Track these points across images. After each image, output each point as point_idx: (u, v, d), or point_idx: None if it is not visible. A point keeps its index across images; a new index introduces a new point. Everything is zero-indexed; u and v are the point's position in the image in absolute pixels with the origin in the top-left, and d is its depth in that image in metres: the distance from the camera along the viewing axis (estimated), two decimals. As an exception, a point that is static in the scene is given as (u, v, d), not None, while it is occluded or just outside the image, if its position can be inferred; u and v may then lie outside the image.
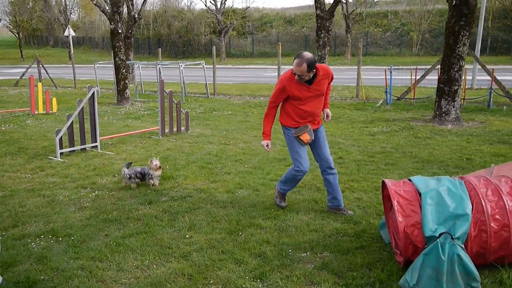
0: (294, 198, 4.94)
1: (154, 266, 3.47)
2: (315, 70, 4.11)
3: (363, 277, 3.23)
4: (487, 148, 7.09)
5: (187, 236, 4.01)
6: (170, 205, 4.79)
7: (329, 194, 4.53)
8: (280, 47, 15.11)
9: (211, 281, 3.22)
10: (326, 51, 16.16)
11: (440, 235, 3.03)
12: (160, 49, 20.13)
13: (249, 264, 3.45)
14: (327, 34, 16.18)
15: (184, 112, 8.93)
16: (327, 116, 4.58)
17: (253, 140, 8.05)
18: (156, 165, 5.32)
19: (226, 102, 13.67)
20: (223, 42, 38.30)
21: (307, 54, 4.02)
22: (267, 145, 4.50)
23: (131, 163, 5.69)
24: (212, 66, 16.04)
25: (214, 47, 16.80)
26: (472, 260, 3.08)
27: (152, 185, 5.40)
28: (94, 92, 7.19)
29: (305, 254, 3.64)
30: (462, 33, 9.26)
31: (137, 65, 16.38)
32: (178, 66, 14.73)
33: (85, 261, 3.54)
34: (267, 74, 23.88)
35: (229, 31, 39.46)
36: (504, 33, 31.92)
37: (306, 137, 4.31)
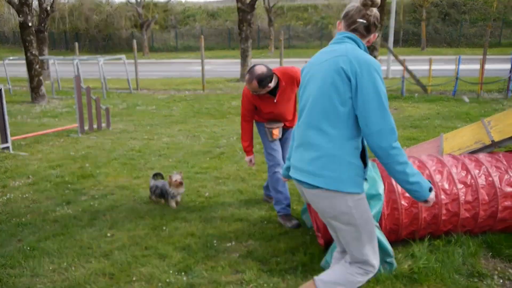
0: (219, 189, 4.94)
1: (73, 268, 3.30)
2: (272, 83, 3.76)
3: (287, 262, 3.31)
4: (400, 132, 7.54)
5: (109, 234, 3.86)
6: (90, 204, 4.58)
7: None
8: (203, 40, 14.99)
9: (134, 278, 3.12)
10: (249, 44, 16.32)
11: (356, 215, 3.17)
12: (77, 43, 19.10)
13: (173, 258, 3.40)
14: (249, 27, 16.32)
15: (104, 108, 8.57)
16: None
17: (177, 134, 7.92)
18: (176, 181, 4.35)
19: (150, 97, 13.32)
20: (145, 36, 37.22)
21: (258, 70, 3.65)
22: (250, 161, 4.25)
23: (158, 174, 4.74)
24: (134, 61, 15.53)
25: (135, 41, 16.27)
26: (387, 237, 3.27)
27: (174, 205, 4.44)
28: (1, 89, 6.67)
29: (230, 244, 3.65)
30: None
31: (53, 61, 15.43)
32: (97, 61, 14.09)
33: (-5, 270, 3.28)
34: (192, 68, 23.61)
35: (151, 25, 38.42)
36: (414, 26, 34.12)
37: (276, 132, 4.09)
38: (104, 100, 12.52)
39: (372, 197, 3.29)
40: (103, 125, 8.55)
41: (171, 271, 3.20)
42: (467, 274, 3.11)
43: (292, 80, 3.89)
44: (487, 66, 12.56)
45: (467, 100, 10.82)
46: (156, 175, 4.69)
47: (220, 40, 38.46)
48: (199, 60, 14.98)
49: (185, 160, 6.17)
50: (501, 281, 3.08)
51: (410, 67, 12.59)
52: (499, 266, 3.24)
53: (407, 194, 3.37)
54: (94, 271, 3.23)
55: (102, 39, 41.81)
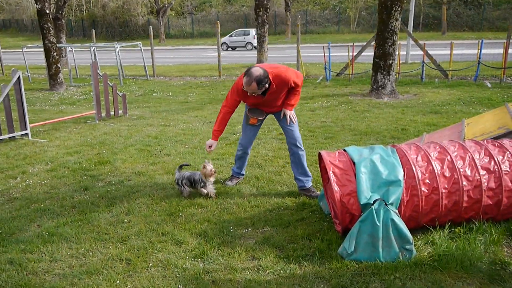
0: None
1: (90, 253, 3.32)
2: (268, 83, 3.91)
3: (304, 248, 3.27)
4: (420, 118, 7.40)
5: (125, 220, 3.87)
6: (107, 190, 4.61)
7: (294, 173, 4.41)
8: (219, 26, 14.88)
9: (151, 264, 3.13)
10: (265, 29, 16.14)
11: (374, 202, 3.11)
12: (94, 30, 19.18)
13: (189, 244, 3.39)
14: (265, 12, 16.13)
15: (121, 95, 8.60)
16: (284, 114, 4.30)
17: (193, 121, 7.91)
18: (211, 170, 4.25)
19: (166, 84, 13.34)
20: (161, 23, 37.21)
21: (256, 71, 3.81)
22: (210, 146, 4.34)
23: (185, 164, 4.67)
24: (150, 48, 15.53)
25: (151, 27, 16.24)
26: (406, 224, 3.20)
27: (208, 196, 4.31)
28: (19, 77, 6.73)
29: (246, 230, 3.62)
30: (394, 8, 9.52)
31: (70, 48, 15.54)
32: (114, 48, 14.13)
33: (14, 254, 3.32)
34: (207, 55, 23.56)
35: (167, 11, 38.36)
36: (435, 10, 33.31)
37: (254, 121, 4.39)
38: (121, 87, 12.58)
39: (391, 183, 3.22)
40: (120, 112, 8.58)
41: (187, 257, 3.19)
42: (489, 262, 3.03)
43: (283, 84, 4.03)
44: (511, 51, 12.20)
45: (489, 85, 10.54)
46: (181, 167, 4.57)
47: (236, 25, 38.18)
48: (215, 47, 14.91)
49: (201, 146, 6.15)
50: (526, 270, 2.99)
51: (430, 52, 12.31)
52: (524, 255, 3.15)
53: (427, 181, 3.29)
54: (111, 256, 3.25)
55: (119, 26, 41.97)
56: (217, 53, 14.37)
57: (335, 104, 8.97)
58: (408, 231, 3.08)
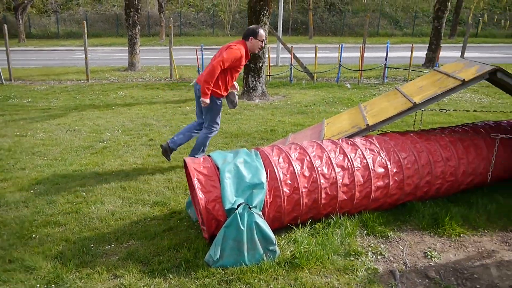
0: (99, 187, 4.59)
1: None
2: None
3: (170, 260, 3.16)
4: (288, 119, 7.75)
5: (-36, 249, 3.36)
6: None
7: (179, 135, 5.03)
8: (85, 26, 13.95)
9: (-8, 298, 2.75)
10: (137, 31, 15.58)
11: (238, 206, 3.13)
12: None
13: (42, 269, 3.05)
14: (136, 13, 15.57)
15: (-35, 103, 7.53)
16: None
17: (55, 129, 7.26)
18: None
19: (25, 89, 12.08)
20: (20, 21, 33.78)
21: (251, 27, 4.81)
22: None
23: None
24: (5, 48, 13.93)
25: (6, 26, 14.58)
26: (270, 225, 3.28)
27: None
28: None
29: (109, 246, 3.39)
30: (262, 13, 9.85)
31: None
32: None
33: None
34: (75, 57, 21.96)
35: (27, 8, 34.96)
36: (302, 15, 35.49)
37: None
38: (-31, 93, 11.08)
39: (255, 186, 3.27)
40: (-34, 121, 7.53)
41: (38, 285, 2.87)
42: (344, 254, 3.25)
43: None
44: (367, 54, 13.47)
45: (349, 86, 11.50)
46: None
47: (107, 26, 36.35)
48: (82, 48, 13.95)
49: (62, 157, 5.65)
50: (374, 256, 3.26)
51: (298, 55, 13.03)
52: (373, 243, 3.44)
53: (288, 181, 3.41)
54: None
55: (-31, 24, 37.15)
56: (84, 55, 13.45)
57: (208, 107, 8.96)
58: (272, 232, 3.16)
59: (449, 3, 15.32)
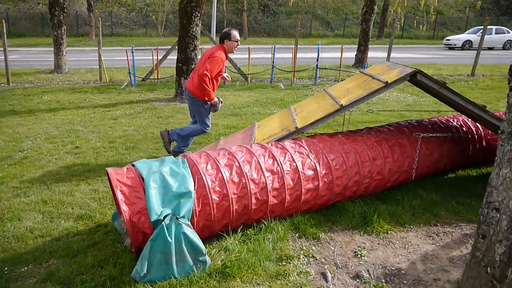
0: (17, 201, 4.26)
1: None
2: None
3: (94, 279, 2.97)
4: (221, 121, 7.67)
5: None
6: None
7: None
8: (5, 25, 13.02)
9: None
10: (63, 31, 14.80)
11: (165, 217, 3.00)
12: None
13: None
14: (62, 12, 14.79)
15: None
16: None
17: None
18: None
19: None
20: None
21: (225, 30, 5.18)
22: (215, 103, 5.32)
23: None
24: None
25: None
26: (200, 234, 3.19)
27: None
28: None
29: (26, 268, 3.13)
30: (194, 14, 9.70)
31: None
32: None
33: None
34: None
35: None
36: (237, 16, 35.57)
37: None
38: None
39: (182, 195, 3.16)
40: None
41: None
42: (276, 259, 3.22)
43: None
44: (299, 55, 13.72)
45: (282, 87, 11.63)
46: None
47: (32, 25, 34.30)
48: (2, 49, 12.99)
49: (-25, 170, 5.20)
50: (306, 259, 3.27)
51: (233, 56, 12.95)
52: (304, 246, 3.45)
53: (217, 188, 3.33)
54: None
55: None
56: (3, 57, 12.54)
57: (139, 111, 8.68)
58: (201, 242, 3.06)
59: (375, 6, 15.98)
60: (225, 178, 3.38)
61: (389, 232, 3.72)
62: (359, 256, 3.35)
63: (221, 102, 5.47)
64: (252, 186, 3.46)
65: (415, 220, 3.95)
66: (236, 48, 5.21)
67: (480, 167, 5.33)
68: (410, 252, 3.44)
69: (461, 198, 4.37)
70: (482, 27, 13.40)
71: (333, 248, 3.45)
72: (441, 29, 34.91)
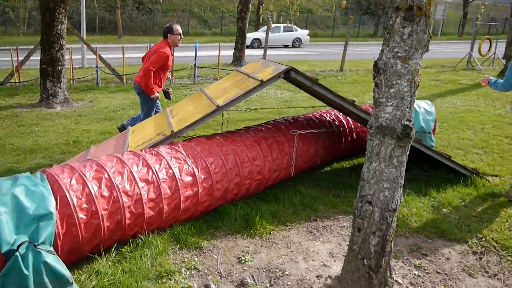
0: None
1: None
2: None
3: None
4: (94, 127, 7.10)
5: None
6: None
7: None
8: None
9: None
10: None
11: (19, 246, 2.57)
12: None
13: None
14: None
15: None
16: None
17: None
18: None
19: None
20: None
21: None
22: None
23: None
24: None
25: None
26: (67, 259, 2.82)
27: None
28: None
29: None
30: (58, 11, 8.85)
31: None
32: None
33: None
34: None
35: None
36: (110, 13, 33.76)
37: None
38: None
39: (41, 217, 2.74)
40: None
41: None
42: (156, 276, 2.98)
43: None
44: (177, 54, 13.39)
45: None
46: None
47: None
48: None
49: None
50: (188, 272, 3.08)
51: (108, 56, 12.20)
52: (186, 257, 3.26)
53: (84, 205, 2.97)
54: None
55: None
56: None
57: (-4, 119, 7.66)
58: (66, 269, 2.68)
59: (250, 5, 16.29)
60: (93, 193, 3.03)
61: (271, 232, 3.70)
62: (243, 261, 3.26)
63: (170, 91, 6.00)
64: (125, 199, 3.16)
65: (296, 217, 4.00)
66: (180, 41, 5.66)
67: (352, 158, 5.64)
68: (292, 251, 3.45)
69: (337, 191, 4.55)
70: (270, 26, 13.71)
71: (216, 257, 3.31)
72: (312, 27, 37.08)
